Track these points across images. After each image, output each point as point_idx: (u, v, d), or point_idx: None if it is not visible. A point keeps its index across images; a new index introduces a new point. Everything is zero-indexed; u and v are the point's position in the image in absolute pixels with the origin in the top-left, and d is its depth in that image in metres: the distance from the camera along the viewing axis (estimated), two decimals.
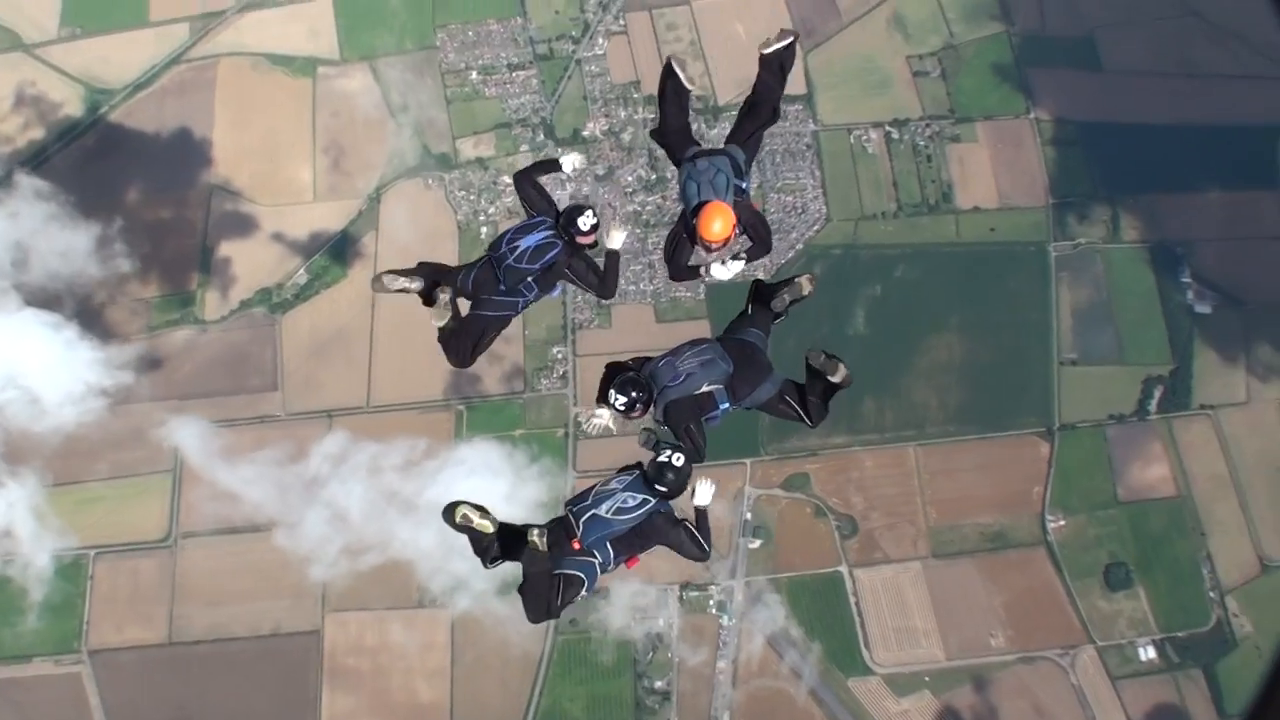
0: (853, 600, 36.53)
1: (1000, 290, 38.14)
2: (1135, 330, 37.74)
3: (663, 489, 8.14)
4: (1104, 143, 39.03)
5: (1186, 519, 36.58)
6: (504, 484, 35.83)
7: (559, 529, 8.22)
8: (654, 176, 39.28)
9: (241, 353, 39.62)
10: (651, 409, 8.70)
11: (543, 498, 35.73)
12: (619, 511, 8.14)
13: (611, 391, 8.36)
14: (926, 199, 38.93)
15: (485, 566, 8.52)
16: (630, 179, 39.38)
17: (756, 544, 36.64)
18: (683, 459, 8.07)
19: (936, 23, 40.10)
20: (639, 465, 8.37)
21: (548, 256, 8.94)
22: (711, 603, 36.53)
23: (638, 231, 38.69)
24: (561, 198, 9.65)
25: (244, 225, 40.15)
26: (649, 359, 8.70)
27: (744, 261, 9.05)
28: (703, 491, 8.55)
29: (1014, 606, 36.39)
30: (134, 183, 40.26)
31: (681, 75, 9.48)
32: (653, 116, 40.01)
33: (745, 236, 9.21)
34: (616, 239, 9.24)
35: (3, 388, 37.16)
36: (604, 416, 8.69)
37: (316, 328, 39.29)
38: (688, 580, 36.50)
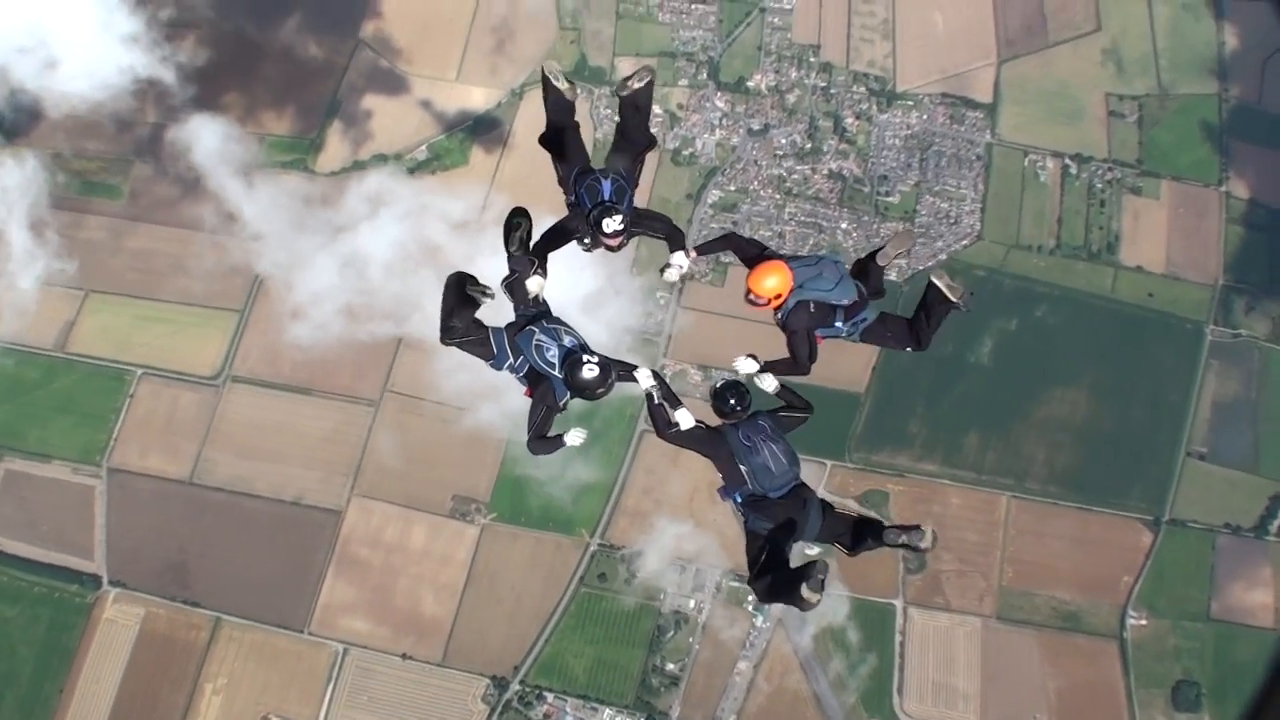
0: (898, 639, 33.83)
1: (1143, 360, 35.17)
2: (1278, 441, 34.49)
3: (564, 375, 8.33)
4: None
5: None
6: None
7: (528, 317, 8.67)
8: (809, 145, 37.01)
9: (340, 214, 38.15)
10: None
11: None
12: (538, 349, 8.46)
13: (723, 394, 8.64)
14: (1089, 244, 36.15)
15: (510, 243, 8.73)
16: (784, 141, 37.16)
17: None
18: (595, 373, 8.20)
19: (1147, 65, 37.29)
20: (580, 348, 8.49)
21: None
22: (750, 598, 33.96)
23: (777, 198, 36.45)
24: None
25: (382, 86, 38.73)
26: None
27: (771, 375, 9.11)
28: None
29: (1068, 695, 33.38)
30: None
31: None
32: (824, 84, 37.81)
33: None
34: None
35: (23, 35, 34.47)
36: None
37: None
38: (733, 568, 34.08)
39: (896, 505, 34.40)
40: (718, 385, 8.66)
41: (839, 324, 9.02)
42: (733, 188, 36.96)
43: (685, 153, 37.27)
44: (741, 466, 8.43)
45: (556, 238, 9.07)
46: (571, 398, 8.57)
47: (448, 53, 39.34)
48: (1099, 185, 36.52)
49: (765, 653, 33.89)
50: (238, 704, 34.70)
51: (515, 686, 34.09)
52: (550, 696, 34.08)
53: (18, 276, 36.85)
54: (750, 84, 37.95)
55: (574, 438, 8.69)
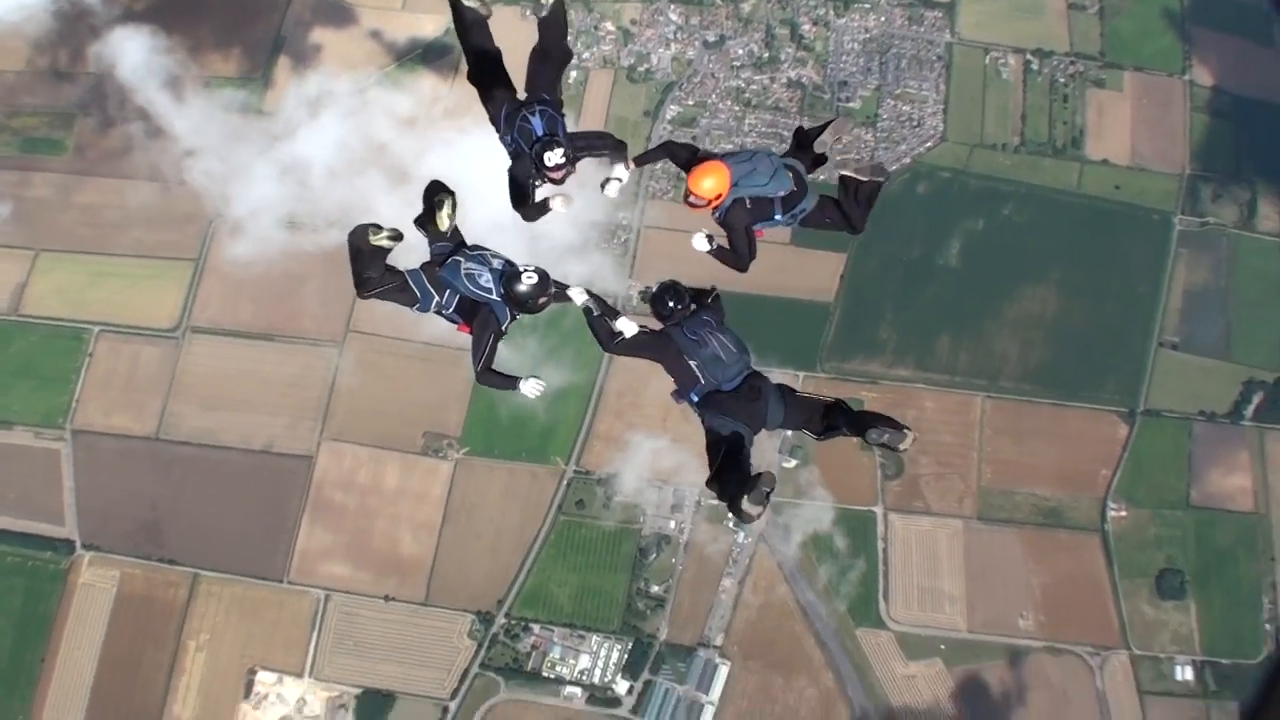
0: (881, 546, 33.70)
1: (1112, 253, 34.95)
2: (1249, 327, 34.46)
3: (504, 291, 8.30)
4: (1260, 122, 35.70)
5: (1259, 539, 33.37)
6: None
7: (447, 252, 8.55)
8: (766, 55, 36.28)
9: None
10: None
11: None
12: (469, 278, 8.38)
13: (660, 298, 8.58)
14: (1054, 140, 35.77)
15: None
16: (740, 52, 36.42)
17: (792, 464, 33.77)
18: (534, 281, 8.18)
19: None
20: (511, 265, 8.49)
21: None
22: (730, 516, 33.60)
23: (736, 109, 35.83)
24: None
25: (328, 19, 37.66)
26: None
27: (619, 180, 9.20)
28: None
29: (1052, 591, 33.39)
30: None
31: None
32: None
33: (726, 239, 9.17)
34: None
35: None
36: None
37: None
38: None
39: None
40: (653, 290, 8.66)
41: (778, 215, 8.98)
42: (691, 102, 36.26)
43: (641, 69, 36.51)
44: (691, 363, 8.37)
45: (522, 192, 8.98)
46: (513, 319, 8.52)
47: None
48: (1061, 80, 36.11)
49: (749, 568, 33.70)
50: (223, 658, 34.29)
51: (501, 620, 33.79)
52: (536, 627, 33.82)
53: None
54: None
55: (531, 388, 8.64)
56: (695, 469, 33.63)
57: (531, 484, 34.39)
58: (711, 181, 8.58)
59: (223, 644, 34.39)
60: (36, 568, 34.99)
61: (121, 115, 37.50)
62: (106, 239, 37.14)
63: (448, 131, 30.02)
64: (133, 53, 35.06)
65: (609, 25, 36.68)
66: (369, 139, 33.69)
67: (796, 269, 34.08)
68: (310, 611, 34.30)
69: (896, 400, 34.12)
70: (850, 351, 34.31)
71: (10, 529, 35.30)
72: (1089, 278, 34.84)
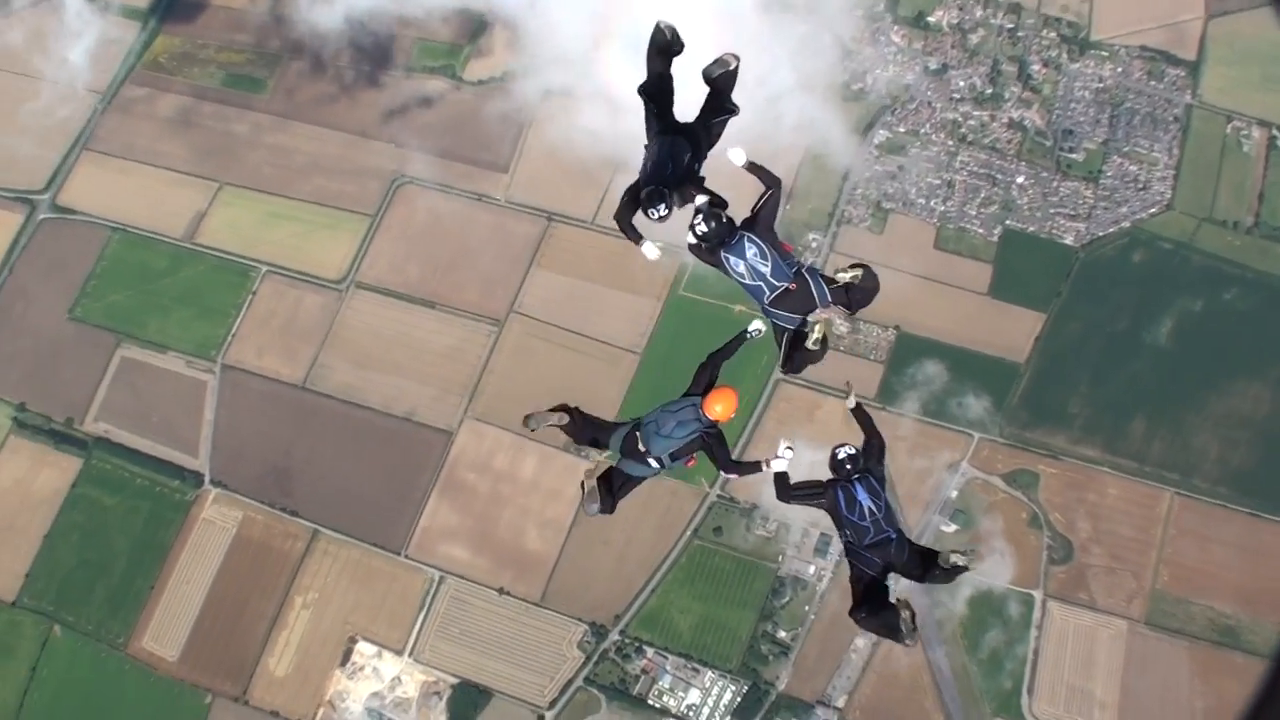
0: (1034, 634, 31.04)
1: None
2: None
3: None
4: None
5: None
6: None
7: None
8: (989, 91, 34.27)
9: (485, 125, 36.87)
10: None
11: None
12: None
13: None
14: None
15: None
16: (962, 84, 34.59)
17: (951, 529, 31.47)
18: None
19: None
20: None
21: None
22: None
23: (950, 144, 33.92)
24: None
25: None
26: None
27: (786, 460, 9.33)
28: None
29: (1216, 717, 30.18)
30: None
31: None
32: (1011, 26, 34.98)
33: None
34: (779, 465, 9.34)
35: None
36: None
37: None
38: None
39: (1047, 489, 31.65)
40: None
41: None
42: (902, 129, 34.66)
43: (855, 87, 35.00)
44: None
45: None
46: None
47: None
48: None
49: None
50: (326, 620, 33.77)
51: (614, 636, 32.40)
52: (650, 651, 32.27)
53: (69, 47, 35.35)
54: (930, 20, 35.65)
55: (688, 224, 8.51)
56: None
57: (671, 501, 32.85)
58: (722, 408, 8.93)
59: (329, 606, 33.88)
60: (163, 495, 35.22)
61: (330, 64, 37.74)
62: (290, 182, 37.44)
63: None
64: None
65: (826, 38, 35.18)
66: None
67: (990, 322, 31.98)
68: (422, 590, 33.53)
69: (1077, 480, 31.62)
70: (1035, 420, 31.89)
71: (147, 451, 35.62)
72: None
